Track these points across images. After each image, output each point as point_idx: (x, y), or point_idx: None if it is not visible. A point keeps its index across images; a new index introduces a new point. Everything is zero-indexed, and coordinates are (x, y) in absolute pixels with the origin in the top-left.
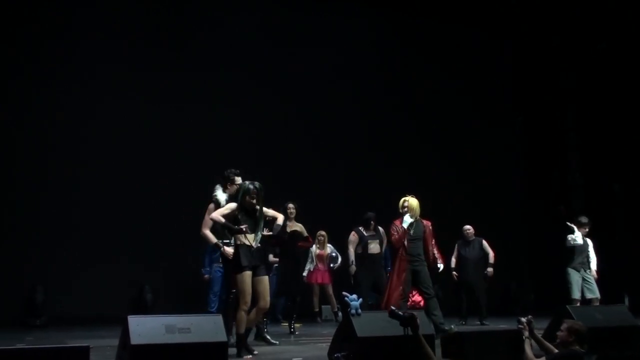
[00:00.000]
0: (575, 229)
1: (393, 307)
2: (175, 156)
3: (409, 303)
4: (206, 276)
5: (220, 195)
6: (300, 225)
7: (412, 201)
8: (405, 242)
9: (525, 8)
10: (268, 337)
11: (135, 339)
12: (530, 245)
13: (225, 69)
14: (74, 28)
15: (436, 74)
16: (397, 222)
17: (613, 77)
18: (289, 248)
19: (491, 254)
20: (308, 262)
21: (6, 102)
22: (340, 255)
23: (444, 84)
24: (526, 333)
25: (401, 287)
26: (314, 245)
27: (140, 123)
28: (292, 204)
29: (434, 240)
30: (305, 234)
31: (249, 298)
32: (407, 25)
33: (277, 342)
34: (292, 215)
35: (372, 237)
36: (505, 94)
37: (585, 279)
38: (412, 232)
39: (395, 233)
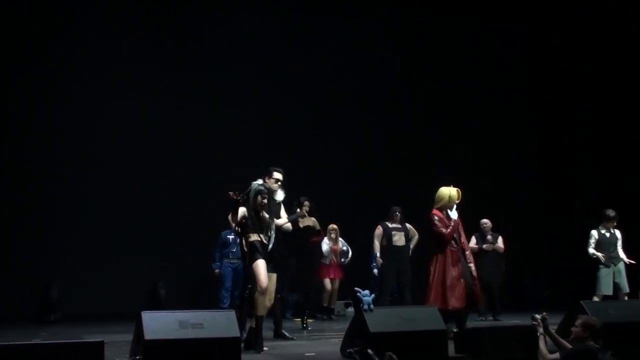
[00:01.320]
0: (595, 232)
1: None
2: (187, 153)
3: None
4: (217, 271)
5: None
6: (313, 219)
7: (456, 191)
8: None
9: (539, 1)
10: (285, 332)
11: (149, 334)
12: (545, 241)
13: (231, 67)
14: (78, 28)
15: (448, 70)
16: (437, 213)
17: (628, 71)
18: (302, 243)
19: (503, 247)
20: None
21: (17, 101)
22: (351, 249)
23: (456, 79)
24: (540, 330)
25: (462, 280)
26: (325, 240)
27: (153, 121)
28: (307, 200)
29: (464, 234)
30: (318, 228)
31: (265, 282)
32: (418, 20)
33: (294, 337)
34: (307, 211)
35: (397, 230)
36: (519, 89)
37: (616, 273)
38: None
39: (442, 225)
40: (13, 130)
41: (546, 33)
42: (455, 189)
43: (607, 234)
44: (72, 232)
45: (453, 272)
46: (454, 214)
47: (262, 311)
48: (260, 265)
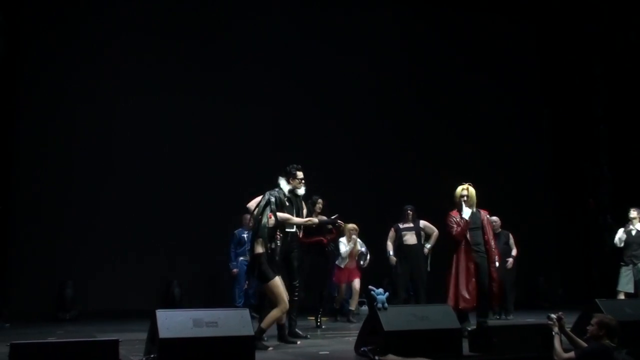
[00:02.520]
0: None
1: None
2: (201, 152)
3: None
4: (234, 270)
5: (284, 185)
6: (325, 218)
7: (472, 189)
8: (467, 233)
9: None
10: (299, 331)
11: (164, 332)
12: (559, 239)
13: (251, 65)
14: (93, 27)
15: (462, 65)
16: (453, 213)
17: None
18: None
19: (514, 250)
20: (339, 259)
21: (33, 100)
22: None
23: (471, 75)
24: (556, 329)
25: (474, 280)
26: (344, 240)
27: (165, 120)
28: (320, 198)
29: (491, 233)
30: (331, 227)
31: (287, 302)
32: (434, 15)
33: (308, 336)
34: (319, 210)
35: (408, 229)
36: (533, 86)
37: (636, 272)
38: (471, 221)
39: (455, 225)
40: (28, 129)
41: (562, 27)
42: (461, 186)
43: (633, 232)
44: (87, 232)
45: (464, 271)
46: (466, 213)
47: (270, 326)
48: (279, 283)
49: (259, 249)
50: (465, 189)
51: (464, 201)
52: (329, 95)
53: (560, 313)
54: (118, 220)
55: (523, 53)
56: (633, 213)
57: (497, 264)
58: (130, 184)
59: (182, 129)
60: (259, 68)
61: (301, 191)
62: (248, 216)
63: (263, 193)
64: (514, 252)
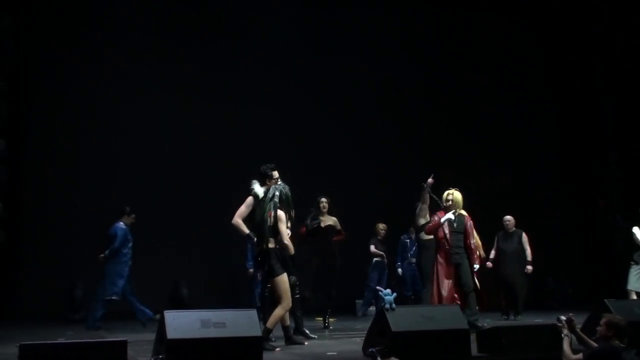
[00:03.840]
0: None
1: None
2: (209, 153)
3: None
4: (251, 270)
5: (258, 189)
6: (334, 218)
7: (457, 194)
8: (449, 235)
9: None
10: (307, 331)
11: (172, 333)
12: (568, 239)
13: (256, 67)
14: (105, 27)
15: (467, 66)
16: (440, 213)
17: None
18: (324, 242)
19: (529, 250)
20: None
21: (41, 105)
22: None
23: (476, 76)
24: (565, 331)
25: (451, 281)
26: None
27: (174, 121)
28: (325, 197)
29: (476, 237)
30: (339, 227)
31: (290, 300)
32: (438, 16)
33: (316, 337)
34: (325, 210)
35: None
36: (539, 85)
37: None
38: (455, 225)
39: (433, 222)
40: (37, 134)
41: (569, 27)
42: (447, 191)
43: None
44: (96, 233)
45: (443, 272)
46: (446, 216)
47: (275, 325)
48: (286, 280)
49: (271, 244)
50: (451, 194)
51: (448, 205)
52: (330, 95)
53: (570, 314)
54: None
55: (529, 53)
56: None
57: (476, 267)
58: (139, 185)
59: (192, 129)
60: (260, 68)
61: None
62: None
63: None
64: (529, 255)
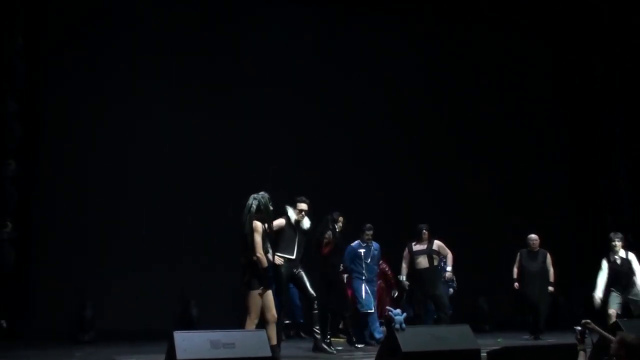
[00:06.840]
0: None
1: None
2: (219, 169)
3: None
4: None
5: (291, 214)
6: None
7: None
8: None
9: (567, 8)
10: (325, 346)
11: (181, 354)
12: (578, 258)
13: (266, 82)
14: (117, 44)
15: (476, 82)
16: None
17: None
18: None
19: (552, 270)
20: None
21: (52, 119)
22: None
23: (485, 92)
24: (581, 345)
25: None
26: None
27: (183, 137)
28: (341, 215)
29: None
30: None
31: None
32: (447, 31)
33: (335, 352)
34: (340, 229)
35: (420, 252)
36: (549, 99)
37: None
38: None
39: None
40: (49, 153)
41: (577, 45)
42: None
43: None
44: (105, 253)
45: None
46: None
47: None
48: (258, 298)
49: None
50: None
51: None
52: (341, 114)
53: (584, 321)
54: (136, 241)
55: (538, 69)
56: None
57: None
58: (149, 204)
59: (200, 147)
60: (272, 86)
61: (306, 224)
62: None
63: (281, 215)
64: (551, 277)
